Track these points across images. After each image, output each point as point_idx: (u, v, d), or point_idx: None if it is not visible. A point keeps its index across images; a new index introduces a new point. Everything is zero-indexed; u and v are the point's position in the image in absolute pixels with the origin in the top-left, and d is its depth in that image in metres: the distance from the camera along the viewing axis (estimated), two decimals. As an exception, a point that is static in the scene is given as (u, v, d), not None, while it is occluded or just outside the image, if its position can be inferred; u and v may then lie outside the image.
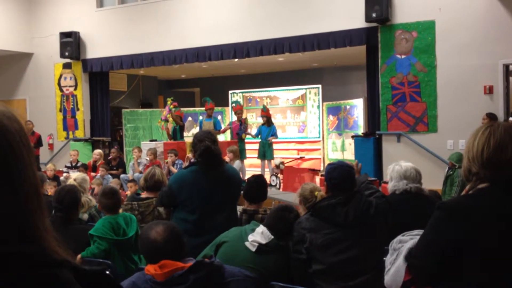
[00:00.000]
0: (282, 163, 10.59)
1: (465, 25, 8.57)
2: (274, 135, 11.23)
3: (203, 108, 12.01)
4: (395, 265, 2.10)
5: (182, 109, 11.54)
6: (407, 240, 2.12)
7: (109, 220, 3.78)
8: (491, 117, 7.80)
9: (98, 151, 10.61)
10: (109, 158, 10.35)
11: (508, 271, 1.80)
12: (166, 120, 11.05)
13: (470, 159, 1.89)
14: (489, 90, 8.41)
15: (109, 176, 9.07)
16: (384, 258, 2.63)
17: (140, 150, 10.01)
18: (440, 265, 1.88)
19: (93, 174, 9.37)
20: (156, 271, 2.09)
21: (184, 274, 2.07)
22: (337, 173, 3.16)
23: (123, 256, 3.66)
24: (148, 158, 9.45)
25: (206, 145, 3.73)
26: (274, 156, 11.29)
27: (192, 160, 4.07)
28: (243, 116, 11.74)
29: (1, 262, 0.81)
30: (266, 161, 11.16)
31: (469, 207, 1.85)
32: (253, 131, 12.18)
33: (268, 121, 11.32)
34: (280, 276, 3.04)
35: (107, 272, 0.95)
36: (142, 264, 3.77)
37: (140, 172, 8.85)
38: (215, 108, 12.07)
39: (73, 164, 10.29)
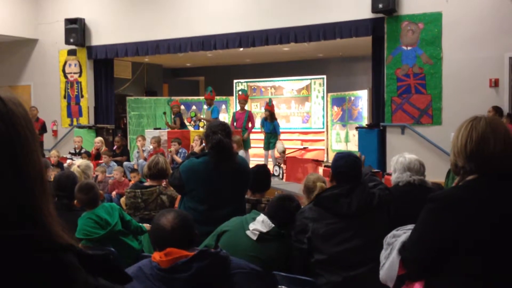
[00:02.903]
0: (284, 151, 10.57)
1: (472, 17, 8.51)
2: (277, 132, 11.09)
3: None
4: (389, 259, 2.10)
5: (186, 97, 11.54)
6: (401, 235, 2.13)
7: (89, 217, 3.67)
8: (497, 110, 7.76)
9: (99, 138, 10.62)
10: (114, 148, 10.36)
11: (500, 263, 1.82)
12: None
13: (456, 153, 1.97)
14: (495, 83, 8.37)
15: (114, 163, 9.08)
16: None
17: (144, 138, 10.01)
18: (433, 257, 1.90)
19: (96, 161, 9.39)
20: (161, 258, 2.11)
21: (187, 262, 2.08)
22: (343, 162, 3.17)
23: (114, 245, 3.60)
24: (151, 146, 9.46)
25: (219, 138, 3.66)
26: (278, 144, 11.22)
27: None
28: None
29: (8, 246, 0.82)
30: (269, 151, 11.14)
31: (459, 198, 1.90)
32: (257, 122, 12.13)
33: (271, 116, 11.18)
34: (281, 264, 3.05)
35: (111, 257, 0.96)
36: (135, 245, 3.79)
37: (145, 159, 8.86)
38: (220, 97, 12.02)
39: (77, 150, 10.30)
